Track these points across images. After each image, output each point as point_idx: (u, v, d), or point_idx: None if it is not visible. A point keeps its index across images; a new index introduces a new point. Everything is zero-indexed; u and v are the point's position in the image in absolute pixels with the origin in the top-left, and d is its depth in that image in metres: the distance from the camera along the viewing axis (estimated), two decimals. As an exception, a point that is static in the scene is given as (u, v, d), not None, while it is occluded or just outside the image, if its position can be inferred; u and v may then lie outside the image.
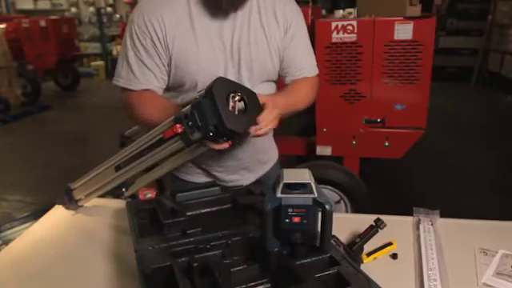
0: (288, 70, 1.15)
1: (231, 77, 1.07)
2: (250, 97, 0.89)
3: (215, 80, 0.85)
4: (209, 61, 1.05)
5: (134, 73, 1.05)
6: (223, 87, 0.85)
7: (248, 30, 1.06)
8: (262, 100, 0.93)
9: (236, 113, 0.85)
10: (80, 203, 1.19)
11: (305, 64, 1.17)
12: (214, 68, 1.06)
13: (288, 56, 1.13)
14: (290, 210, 0.72)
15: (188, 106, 0.85)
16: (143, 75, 1.05)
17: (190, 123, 0.82)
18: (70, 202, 1.19)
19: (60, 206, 1.24)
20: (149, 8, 1.03)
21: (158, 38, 1.02)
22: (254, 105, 0.90)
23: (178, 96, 1.12)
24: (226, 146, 0.89)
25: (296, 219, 0.72)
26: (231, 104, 0.85)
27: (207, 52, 1.04)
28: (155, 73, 1.05)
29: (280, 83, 1.21)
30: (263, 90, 1.13)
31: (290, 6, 1.12)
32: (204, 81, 1.05)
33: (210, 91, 0.81)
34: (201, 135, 0.83)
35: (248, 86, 1.09)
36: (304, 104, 1.16)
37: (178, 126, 0.83)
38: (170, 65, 1.05)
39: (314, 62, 1.21)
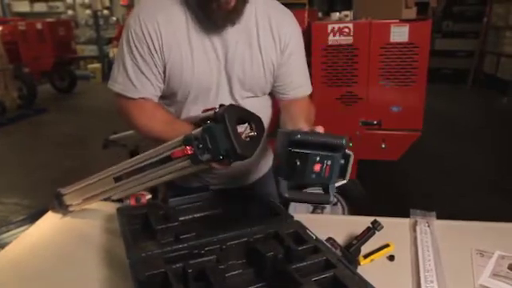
0: (285, 87, 1.14)
1: (223, 89, 1.08)
2: (257, 122, 0.92)
3: (227, 107, 0.87)
4: (203, 72, 1.04)
5: (130, 80, 1.04)
6: (234, 114, 0.87)
7: (243, 45, 1.05)
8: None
9: (245, 138, 0.88)
10: (71, 208, 1.19)
11: (303, 82, 1.17)
12: (208, 80, 1.05)
13: (284, 74, 1.12)
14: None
15: (199, 129, 0.86)
16: (140, 83, 1.04)
17: (201, 146, 0.85)
18: (61, 207, 1.19)
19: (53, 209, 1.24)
20: (145, 13, 1.01)
21: (154, 47, 1.01)
22: (260, 130, 0.93)
23: (171, 106, 1.12)
24: (227, 166, 0.91)
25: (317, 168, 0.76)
26: (241, 130, 0.88)
27: (202, 63, 1.04)
28: (152, 80, 1.04)
29: (275, 102, 1.20)
30: (257, 104, 1.13)
31: (288, 25, 1.10)
32: (197, 92, 1.06)
33: (222, 117, 0.84)
34: (210, 157, 0.86)
35: (240, 99, 1.10)
36: (313, 119, 1.16)
37: (188, 148, 0.84)
38: (164, 72, 1.05)
39: (309, 81, 1.20)
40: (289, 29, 1.10)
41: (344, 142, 0.75)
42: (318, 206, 2.28)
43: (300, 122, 0.99)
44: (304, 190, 0.84)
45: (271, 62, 1.09)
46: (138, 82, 1.04)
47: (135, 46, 1.02)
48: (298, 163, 0.75)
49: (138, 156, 0.98)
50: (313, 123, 1.10)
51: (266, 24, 1.07)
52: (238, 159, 0.87)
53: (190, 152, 0.84)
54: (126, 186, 1.00)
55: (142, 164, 0.95)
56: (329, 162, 0.75)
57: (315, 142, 0.76)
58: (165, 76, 1.05)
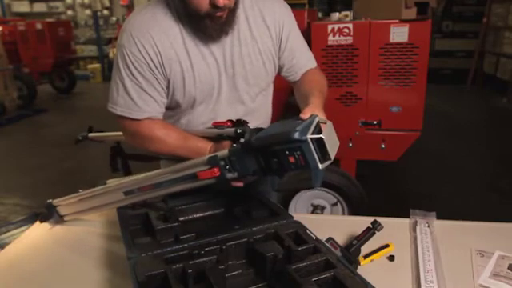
0: (292, 68, 1.17)
1: (226, 90, 1.08)
2: None
3: (251, 130, 0.87)
4: (205, 80, 1.04)
5: (133, 100, 1.02)
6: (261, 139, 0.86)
7: (239, 44, 1.05)
8: (307, 114, 0.87)
9: None
10: (66, 218, 1.17)
11: (306, 58, 1.19)
12: (209, 84, 1.06)
13: (288, 58, 1.14)
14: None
15: (225, 151, 0.85)
16: (144, 102, 1.03)
17: (228, 167, 0.84)
18: (53, 217, 1.18)
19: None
20: (137, 31, 0.98)
21: (154, 63, 1.00)
22: None
23: (174, 116, 1.12)
24: (242, 183, 0.91)
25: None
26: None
27: (201, 69, 1.04)
28: (155, 98, 1.04)
29: (283, 81, 1.22)
30: (265, 102, 1.19)
31: (279, 8, 1.12)
32: (201, 98, 1.07)
33: (251, 144, 0.81)
34: (237, 176, 0.85)
35: (247, 97, 1.12)
36: (326, 87, 1.16)
37: (215, 170, 0.84)
38: (168, 87, 1.04)
39: (312, 54, 1.22)
40: (280, 14, 1.11)
41: (294, 135, 0.71)
42: (317, 206, 2.28)
43: (310, 97, 1.01)
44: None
45: (268, 50, 1.10)
46: (141, 102, 1.02)
47: (134, 66, 1.00)
48: (275, 160, 0.77)
49: (154, 172, 0.95)
50: (325, 91, 1.12)
51: (256, 15, 1.08)
52: (266, 177, 0.87)
53: (217, 174, 0.84)
54: (136, 198, 0.98)
55: (160, 180, 0.93)
56: (298, 153, 0.73)
57: (274, 141, 0.76)
58: (168, 90, 1.05)
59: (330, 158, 0.75)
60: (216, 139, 1.00)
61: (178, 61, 1.01)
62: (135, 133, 1.07)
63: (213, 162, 0.84)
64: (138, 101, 1.02)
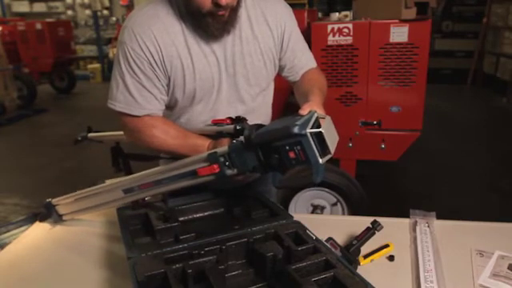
0: (292, 69, 1.18)
1: (226, 89, 1.08)
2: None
3: (251, 127, 0.87)
4: (204, 75, 1.04)
5: (133, 97, 1.02)
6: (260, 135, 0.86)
7: (240, 43, 1.06)
8: (306, 110, 0.87)
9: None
10: (65, 217, 1.17)
11: (307, 58, 1.20)
12: (209, 82, 1.06)
13: (290, 58, 1.15)
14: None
15: (224, 148, 0.86)
16: (144, 98, 1.02)
17: (227, 163, 0.85)
18: (52, 217, 1.18)
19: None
20: (139, 27, 0.99)
21: (155, 61, 1.00)
22: None
23: (174, 115, 1.12)
24: (247, 177, 0.90)
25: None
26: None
27: (202, 67, 1.04)
28: (156, 95, 1.03)
29: (283, 81, 1.23)
30: (264, 102, 1.19)
31: (280, 8, 1.12)
32: (200, 96, 1.07)
33: (251, 140, 0.82)
34: (237, 172, 0.86)
35: (248, 97, 1.12)
36: (326, 86, 1.17)
37: (215, 166, 0.84)
38: (168, 85, 1.04)
39: (312, 54, 1.23)
40: (282, 15, 1.11)
41: (293, 129, 0.72)
42: (317, 206, 2.28)
43: (309, 95, 1.01)
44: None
45: (269, 49, 1.10)
46: (141, 99, 1.02)
47: (135, 62, 1.00)
48: (276, 156, 0.77)
49: (154, 170, 0.95)
50: (325, 90, 1.12)
51: (258, 14, 1.08)
52: (265, 173, 0.87)
53: (217, 170, 0.84)
54: (135, 196, 0.98)
55: (160, 178, 0.93)
56: (298, 147, 0.73)
57: (274, 137, 0.76)
58: (168, 88, 1.05)
59: (330, 152, 0.75)
60: (215, 136, 1.00)
61: (179, 58, 1.01)
62: (135, 129, 1.07)
63: (212, 158, 0.85)
64: (138, 97, 1.02)
